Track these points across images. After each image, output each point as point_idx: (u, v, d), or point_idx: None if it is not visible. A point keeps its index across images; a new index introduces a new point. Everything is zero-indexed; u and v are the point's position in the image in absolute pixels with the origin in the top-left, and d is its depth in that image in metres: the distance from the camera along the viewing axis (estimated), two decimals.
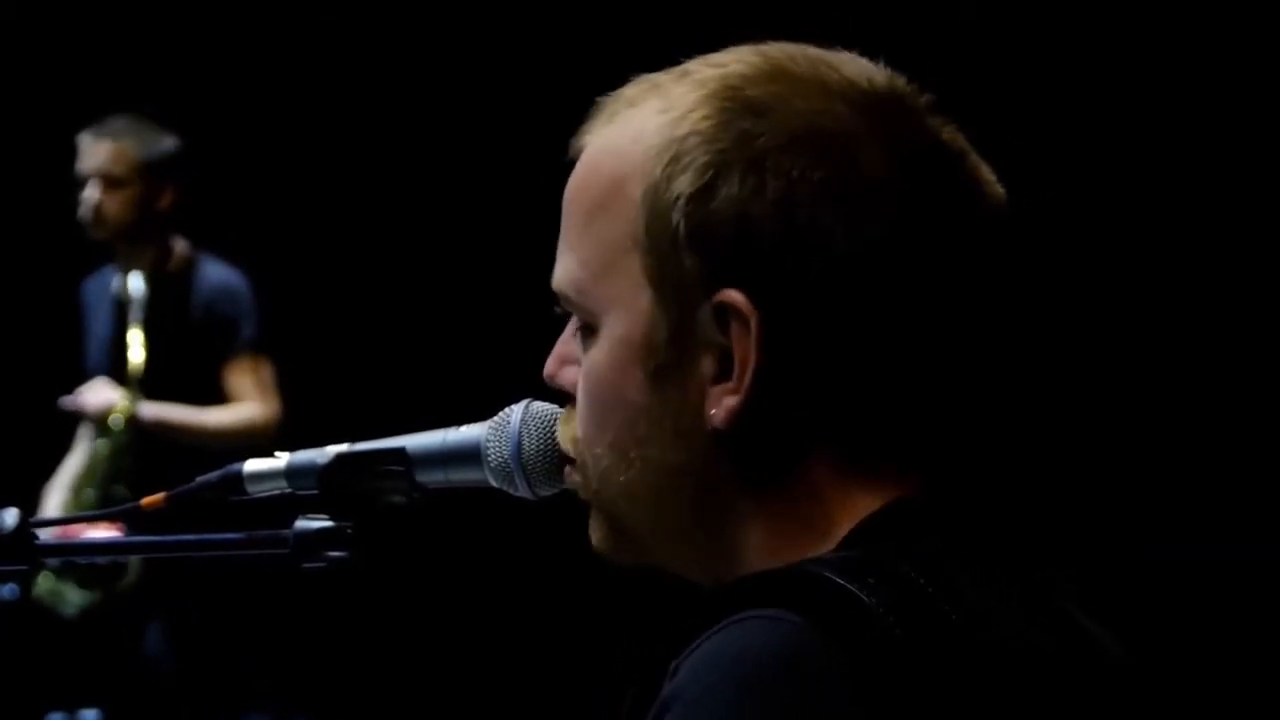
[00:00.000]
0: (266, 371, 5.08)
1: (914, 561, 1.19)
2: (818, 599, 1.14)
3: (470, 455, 1.43)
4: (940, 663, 1.15)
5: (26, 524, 1.49)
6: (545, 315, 1.35)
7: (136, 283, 4.96)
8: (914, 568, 1.18)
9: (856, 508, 1.25)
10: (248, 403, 5.03)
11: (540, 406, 1.41)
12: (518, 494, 1.43)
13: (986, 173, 1.29)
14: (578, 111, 1.36)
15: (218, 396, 5.01)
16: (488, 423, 1.43)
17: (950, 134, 1.28)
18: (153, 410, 4.92)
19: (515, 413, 1.42)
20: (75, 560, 4.21)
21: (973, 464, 1.29)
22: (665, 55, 1.36)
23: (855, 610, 1.14)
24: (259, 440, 4.83)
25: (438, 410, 1.59)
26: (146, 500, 1.53)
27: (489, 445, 1.42)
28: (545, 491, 1.42)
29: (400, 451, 1.45)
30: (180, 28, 5.98)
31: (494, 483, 1.43)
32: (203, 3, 6.02)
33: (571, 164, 1.33)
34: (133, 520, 1.56)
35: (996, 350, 1.28)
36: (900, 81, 1.29)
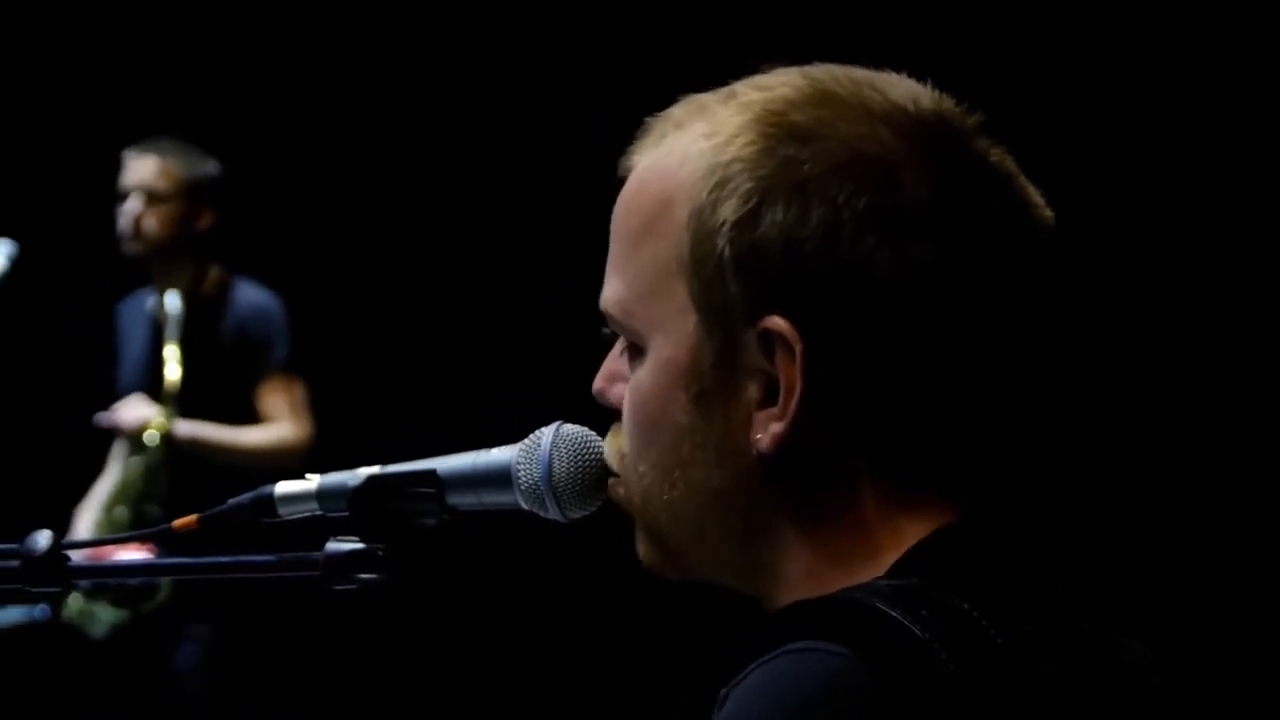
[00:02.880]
0: (299, 392, 5.09)
1: (965, 592, 1.19)
2: (870, 632, 1.14)
3: (501, 478, 1.43)
4: (992, 699, 1.15)
5: (58, 546, 1.49)
6: (576, 337, 1.35)
7: (173, 301, 4.98)
8: (966, 599, 1.18)
9: (901, 533, 1.25)
10: (281, 423, 5.04)
11: (571, 429, 1.41)
12: (548, 517, 1.43)
13: (1034, 196, 1.29)
14: (607, 136, 1.35)
15: (251, 417, 5.03)
16: (518, 445, 1.43)
17: (998, 156, 1.28)
18: (188, 428, 4.94)
19: (546, 435, 1.41)
20: (106, 582, 4.22)
21: (1017, 488, 1.28)
22: (698, 65, 1.36)
23: (908, 644, 1.14)
24: (292, 460, 4.85)
25: (469, 433, 1.59)
26: (178, 522, 1.53)
27: (519, 468, 1.42)
28: (576, 514, 1.41)
29: (431, 474, 1.45)
30: (216, 53, 6.01)
31: (525, 505, 1.43)
32: (237, 30, 6.04)
33: (618, 184, 1.33)
34: (164, 542, 1.56)
35: (1041, 374, 1.27)
36: (948, 103, 1.29)
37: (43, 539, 1.48)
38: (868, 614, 1.15)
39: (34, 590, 1.50)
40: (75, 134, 5.87)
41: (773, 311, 1.23)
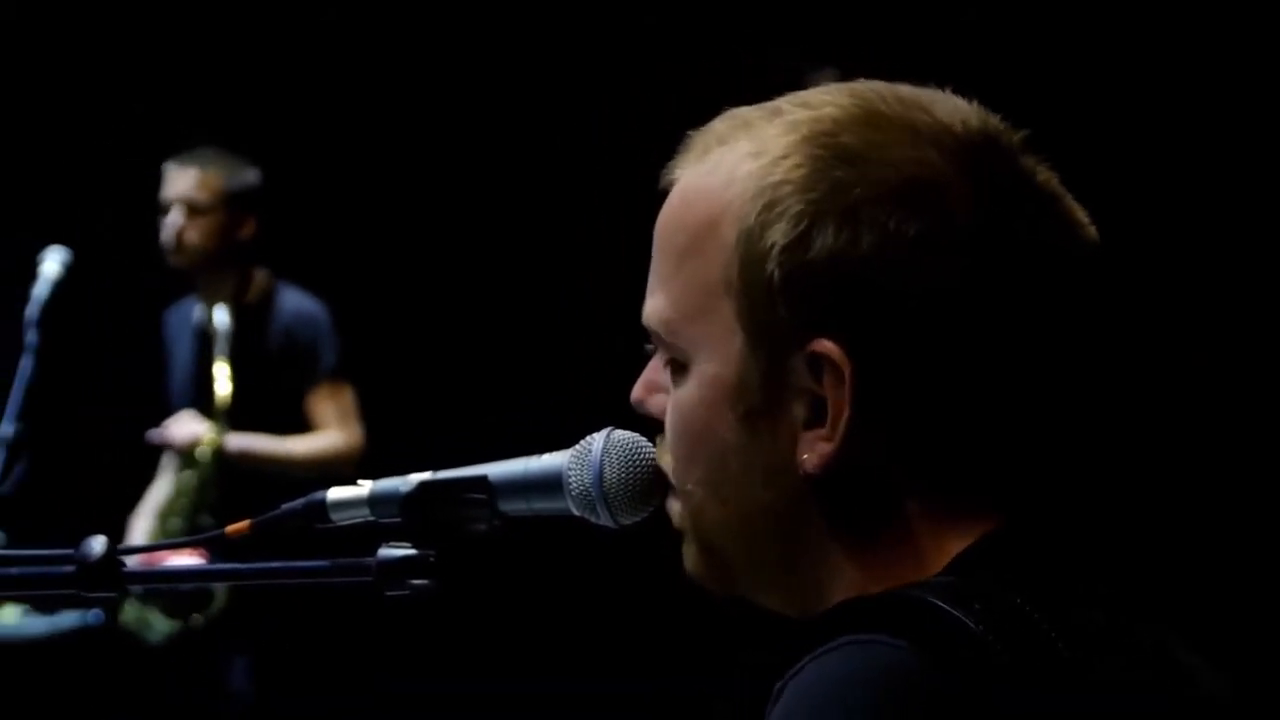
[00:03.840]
0: (348, 398, 5.10)
1: (1019, 589, 1.20)
2: (924, 624, 1.15)
3: (552, 484, 1.43)
4: (1047, 690, 1.15)
5: (114, 551, 1.50)
6: (626, 344, 1.36)
7: (221, 315, 5.01)
8: (1020, 595, 1.19)
9: (947, 550, 1.25)
10: (330, 431, 5.06)
11: (622, 435, 1.41)
12: (599, 522, 1.43)
13: (1080, 215, 1.29)
14: (640, 146, 1.35)
15: (300, 424, 5.05)
16: (569, 451, 1.43)
17: (1044, 176, 1.28)
18: (238, 441, 4.96)
19: (597, 441, 1.42)
20: (160, 587, 4.25)
21: (1062, 502, 1.28)
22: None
23: (962, 636, 1.14)
24: (343, 467, 4.88)
25: (520, 439, 1.60)
26: (231, 528, 1.54)
27: (570, 474, 1.42)
28: (627, 520, 1.42)
29: (482, 480, 1.45)
30: (264, 59, 6.04)
31: (576, 511, 1.43)
32: (285, 36, 6.07)
33: (660, 197, 1.33)
34: (217, 547, 1.57)
35: (1086, 391, 1.27)
36: (993, 121, 1.29)
37: (98, 544, 1.49)
38: (921, 608, 1.16)
39: (89, 595, 1.51)
40: (124, 141, 5.91)
41: (821, 334, 1.23)
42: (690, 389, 1.29)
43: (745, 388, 1.27)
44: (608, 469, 1.40)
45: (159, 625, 4.99)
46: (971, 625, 1.15)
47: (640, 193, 1.37)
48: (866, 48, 4.96)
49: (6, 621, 5.07)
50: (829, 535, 1.27)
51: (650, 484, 1.40)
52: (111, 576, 1.50)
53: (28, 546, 1.56)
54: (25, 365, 4.79)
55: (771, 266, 1.24)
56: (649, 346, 1.35)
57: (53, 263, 4.94)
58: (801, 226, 1.24)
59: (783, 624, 1.30)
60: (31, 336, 4.83)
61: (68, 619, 5.05)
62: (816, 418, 1.25)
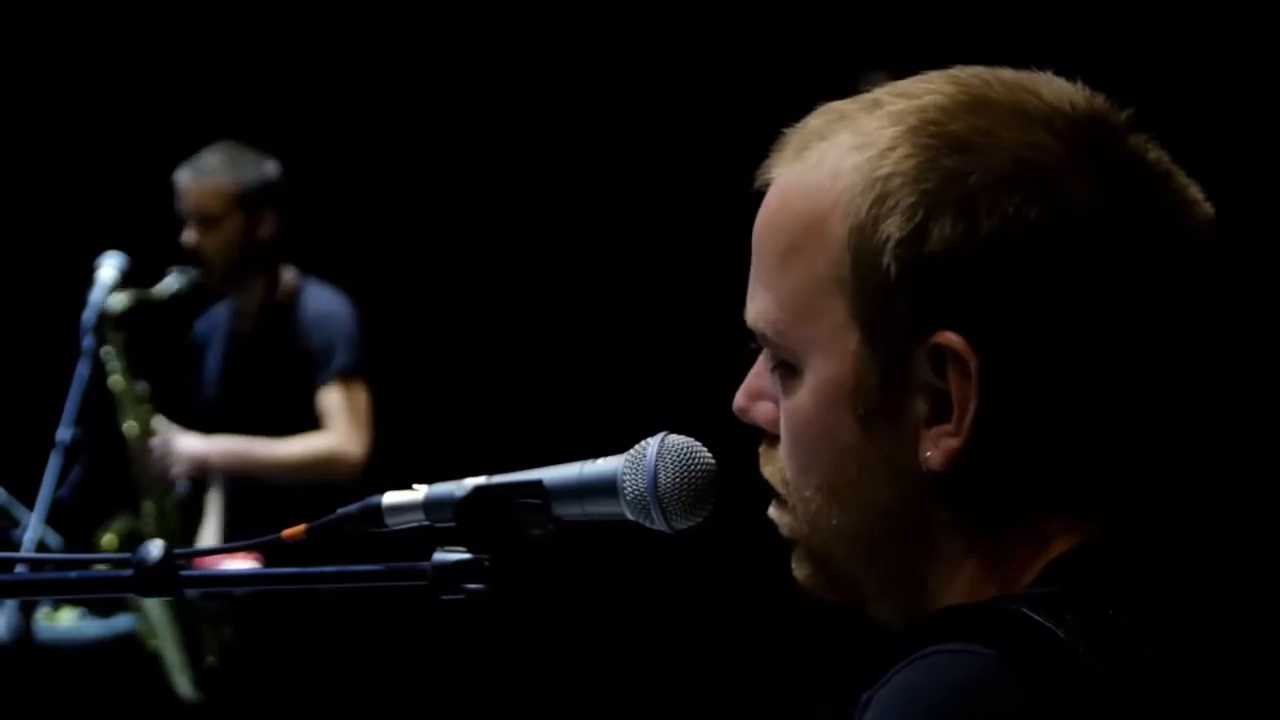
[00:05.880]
0: (360, 398, 4.89)
1: (1112, 600, 1.18)
2: (1012, 634, 1.14)
3: (606, 488, 1.43)
4: (1138, 702, 1.14)
5: (171, 555, 1.51)
6: (681, 349, 1.35)
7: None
8: (1113, 606, 1.18)
9: (1064, 545, 1.23)
10: (329, 433, 4.87)
11: (676, 439, 1.41)
12: (654, 528, 1.43)
13: (1195, 191, 1.27)
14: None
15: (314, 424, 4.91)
16: (623, 456, 1.43)
17: (1155, 153, 1.26)
18: (222, 451, 4.86)
19: (651, 446, 1.41)
20: (217, 591, 4.27)
21: (1167, 504, 1.27)
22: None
23: (1051, 647, 1.13)
24: (342, 472, 4.74)
25: (574, 443, 1.60)
26: (287, 532, 1.54)
27: (625, 478, 1.42)
28: (681, 525, 1.41)
29: (537, 484, 1.45)
30: (281, 60, 6.09)
31: (630, 516, 1.43)
32: (300, 36, 6.12)
33: (756, 196, 1.31)
34: (272, 552, 1.57)
35: (1202, 381, 1.26)
36: (1099, 101, 1.27)
37: (155, 548, 1.51)
38: (1009, 618, 1.15)
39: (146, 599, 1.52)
40: (180, 146, 5.94)
41: (943, 327, 1.21)
42: (804, 394, 1.27)
43: (863, 387, 1.25)
44: (662, 473, 1.40)
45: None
46: (1061, 635, 1.14)
47: (658, 194, 1.36)
48: (867, 47, 4.94)
49: (63, 624, 5.11)
50: (951, 533, 1.25)
51: (705, 488, 1.39)
52: (169, 580, 1.51)
53: (84, 550, 1.57)
54: (81, 370, 4.82)
55: (888, 261, 1.22)
56: (752, 344, 1.32)
57: (109, 268, 4.95)
58: (917, 219, 1.22)
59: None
60: (88, 341, 4.86)
61: (123, 622, 5.08)
62: (940, 414, 1.23)
